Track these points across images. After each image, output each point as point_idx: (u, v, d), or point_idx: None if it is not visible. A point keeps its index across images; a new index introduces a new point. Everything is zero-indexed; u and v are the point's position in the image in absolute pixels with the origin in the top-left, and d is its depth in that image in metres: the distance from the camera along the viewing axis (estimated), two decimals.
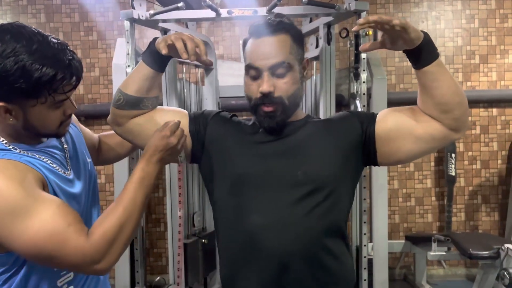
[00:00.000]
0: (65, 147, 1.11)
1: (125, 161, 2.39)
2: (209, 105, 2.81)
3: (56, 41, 0.94)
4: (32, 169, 0.93)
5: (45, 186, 0.95)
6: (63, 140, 1.12)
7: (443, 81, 1.02)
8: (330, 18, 2.32)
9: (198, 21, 2.80)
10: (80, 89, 3.43)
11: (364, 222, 2.29)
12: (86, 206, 1.13)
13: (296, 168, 1.08)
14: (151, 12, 2.19)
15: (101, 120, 3.39)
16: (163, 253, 3.45)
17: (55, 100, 0.94)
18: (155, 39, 1.08)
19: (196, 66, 2.79)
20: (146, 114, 1.16)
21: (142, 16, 2.18)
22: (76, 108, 1.04)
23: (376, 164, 1.16)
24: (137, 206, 0.99)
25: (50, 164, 1.00)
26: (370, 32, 2.14)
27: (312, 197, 1.07)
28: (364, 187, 2.26)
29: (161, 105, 2.43)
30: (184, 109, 2.55)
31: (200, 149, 1.18)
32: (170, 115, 1.17)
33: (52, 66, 0.90)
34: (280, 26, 1.11)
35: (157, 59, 1.09)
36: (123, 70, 2.44)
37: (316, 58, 2.57)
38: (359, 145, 1.13)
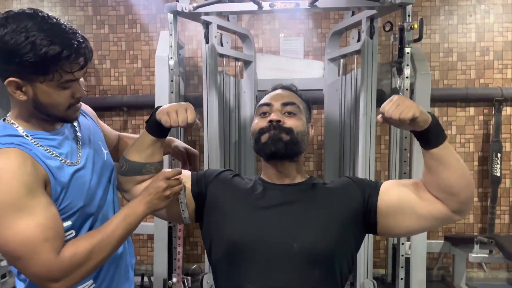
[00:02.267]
0: (78, 136, 1.14)
1: None
2: (248, 98, 2.83)
3: (69, 26, 0.98)
4: (37, 163, 0.97)
5: (48, 183, 0.99)
6: (76, 128, 1.15)
7: (450, 164, 1.00)
8: (373, 12, 2.28)
9: (239, 14, 2.82)
10: (123, 80, 3.54)
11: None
12: (101, 196, 1.15)
13: (292, 239, 1.06)
14: (194, 5, 2.22)
15: (142, 111, 3.49)
16: (198, 242, 3.52)
17: (62, 79, 0.97)
18: (157, 108, 1.11)
19: (236, 59, 2.82)
20: (151, 179, 1.16)
21: (186, 9, 2.22)
22: (85, 93, 1.06)
23: (375, 233, 1.14)
24: (114, 239, 1.02)
25: (57, 157, 1.03)
26: (416, 25, 2.09)
27: (308, 271, 1.05)
28: None
29: (201, 99, 2.47)
30: (223, 102, 2.61)
31: (201, 210, 1.18)
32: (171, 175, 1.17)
33: (59, 44, 0.93)
34: (293, 88, 1.23)
35: (158, 128, 1.11)
36: (165, 62, 2.50)
37: (357, 52, 2.54)
38: (360, 214, 1.10)
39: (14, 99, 1.01)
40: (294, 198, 1.12)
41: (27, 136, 1.01)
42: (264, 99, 1.20)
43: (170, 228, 2.75)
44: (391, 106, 0.95)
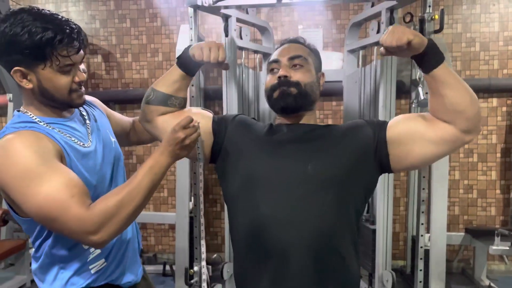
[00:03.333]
0: (88, 123, 1.23)
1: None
2: None
3: (61, 16, 1.07)
4: (52, 140, 1.05)
5: (63, 158, 1.07)
6: (85, 117, 1.24)
7: (451, 83, 1.04)
8: (393, 2, 2.25)
9: (258, 6, 2.82)
10: (145, 73, 3.60)
11: (422, 212, 2.25)
12: (109, 182, 1.22)
13: (306, 164, 1.11)
14: None
15: None
16: (218, 232, 3.59)
17: (60, 63, 1.05)
18: (189, 46, 1.18)
19: (255, 52, 2.82)
20: (173, 113, 1.23)
21: (205, 3, 2.24)
22: (85, 76, 1.14)
23: (390, 170, 1.16)
24: (142, 190, 1.05)
25: (70, 138, 1.11)
26: (436, 16, 2.06)
27: (321, 194, 1.09)
28: (424, 177, 2.21)
29: (220, 92, 2.51)
30: (242, 94, 2.63)
31: (219, 149, 1.24)
32: (194, 116, 1.20)
33: (52, 29, 1.02)
34: (300, 40, 1.28)
35: (189, 64, 1.18)
36: None
37: (377, 43, 2.51)
38: (371, 150, 1.14)
39: (22, 89, 1.10)
40: (309, 133, 1.19)
41: (40, 122, 1.10)
42: (273, 56, 1.26)
43: (191, 218, 2.81)
44: (388, 36, 0.99)
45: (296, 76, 1.19)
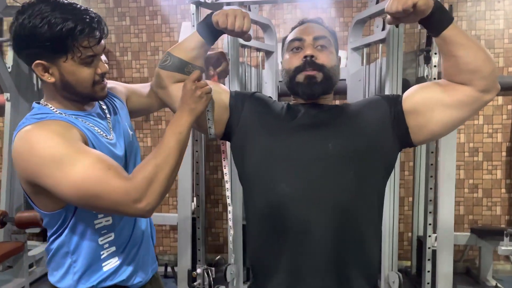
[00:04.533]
0: (108, 117, 1.19)
1: None
2: (269, 89, 2.79)
3: (81, 7, 1.04)
4: (75, 127, 1.04)
5: (87, 143, 1.04)
6: (105, 110, 1.20)
7: (462, 43, 1.02)
8: None
9: (261, 3, 2.78)
10: (145, 72, 3.56)
11: (430, 212, 2.21)
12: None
13: (326, 141, 1.09)
14: None
15: None
16: (220, 233, 3.54)
17: (82, 55, 1.02)
18: (212, 12, 1.13)
19: (258, 50, 2.78)
20: None
21: (208, 0, 2.20)
22: (107, 67, 1.10)
23: (410, 142, 1.13)
24: (171, 150, 1.04)
25: (92, 127, 1.10)
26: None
27: (341, 171, 1.07)
28: (431, 176, 2.17)
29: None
30: None
31: (235, 124, 1.19)
32: (212, 86, 1.18)
33: (72, 20, 0.98)
34: (320, 21, 1.24)
35: (210, 31, 1.14)
36: None
37: (382, 41, 2.47)
38: (389, 124, 1.11)
39: (44, 83, 1.07)
40: (327, 115, 1.16)
41: (61, 114, 1.07)
42: (295, 34, 1.20)
43: (193, 219, 2.76)
44: (392, 2, 0.97)
45: (322, 58, 1.14)
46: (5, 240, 3.21)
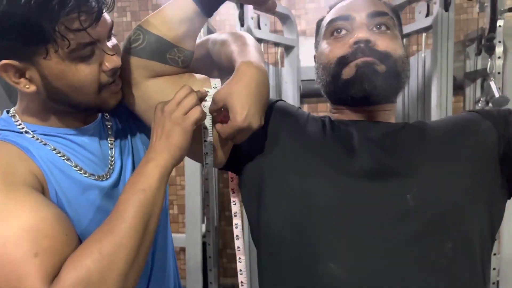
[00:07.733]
0: (110, 141, 0.81)
1: None
2: (289, 89, 2.52)
3: None
4: (29, 158, 0.68)
5: (45, 189, 0.68)
6: (108, 126, 0.82)
7: None
8: None
9: None
10: None
11: (495, 239, 1.81)
12: None
13: (402, 191, 0.67)
14: None
15: None
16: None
17: (72, 45, 0.63)
18: None
19: (276, 45, 2.49)
20: (172, 76, 0.77)
21: None
22: (119, 61, 0.71)
23: None
24: (128, 223, 0.62)
25: (65, 161, 0.72)
26: None
27: (429, 238, 0.65)
28: None
29: None
30: None
31: (246, 151, 0.77)
32: (200, 84, 0.77)
33: None
34: None
35: None
36: None
37: (426, 29, 2.12)
38: (497, 157, 0.72)
39: (21, 93, 0.73)
40: (395, 137, 0.75)
41: (27, 132, 0.72)
42: (338, 11, 0.80)
43: (204, 244, 2.48)
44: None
45: (384, 43, 0.74)
46: None
